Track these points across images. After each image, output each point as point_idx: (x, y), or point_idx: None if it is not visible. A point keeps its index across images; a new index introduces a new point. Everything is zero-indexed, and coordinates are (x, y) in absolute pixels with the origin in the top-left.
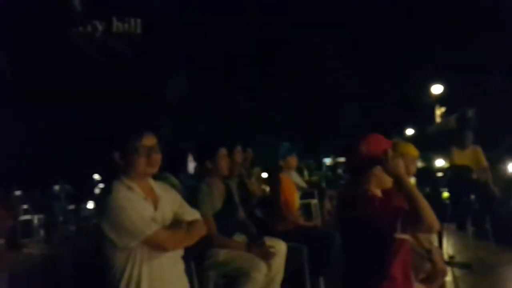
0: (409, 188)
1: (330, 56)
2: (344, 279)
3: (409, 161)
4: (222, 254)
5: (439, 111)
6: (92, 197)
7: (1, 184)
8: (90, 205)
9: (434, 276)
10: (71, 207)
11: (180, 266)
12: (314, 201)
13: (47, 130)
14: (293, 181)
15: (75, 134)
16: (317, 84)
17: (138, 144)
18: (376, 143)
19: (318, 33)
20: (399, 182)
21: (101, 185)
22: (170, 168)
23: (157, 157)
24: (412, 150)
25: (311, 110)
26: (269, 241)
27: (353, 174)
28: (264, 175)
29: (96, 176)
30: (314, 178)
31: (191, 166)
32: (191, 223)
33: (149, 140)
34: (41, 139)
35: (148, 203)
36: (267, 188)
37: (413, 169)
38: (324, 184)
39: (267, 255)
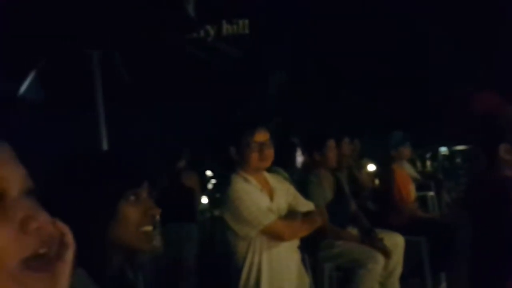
0: None
1: (444, 36)
2: (471, 275)
3: None
4: (337, 246)
5: None
6: (206, 192)
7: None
8: (204, 199)
9: None
10: None
11: (297, 255)
12: (431, 194)
13: (163, 131)
14: (407, 172)
15: (188, 134)
16: (429, 66)
17: (251, 139)
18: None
19: (425, 16)
20: None
21: (213, 181)
22: (279, 162)
23: (270, 152)
24: None
25: (423, 95)
26: (385, 234)
27: (482, 155)
28: (371, 167)
29: (209, 173)
30: (429, 169)
31: (299, 160)
32: (306, 214)
33: (262, 136)
34: (158, 139)
35: (264, 194)
36: (376, 181)
37: None
38: (441, 175)
39: (382, 249)
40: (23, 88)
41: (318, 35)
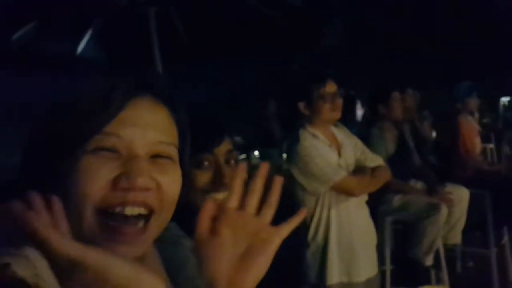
0: None
1: None
2: None
3: None
4: (397, 199)
5: None
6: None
7: None
8: (257, 153)
9: None
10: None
11: (365, 210)
12: (490, 146)
13: (221, 89)
14: (473, 124)
15: (244, 90)
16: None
17: (323, 91)
18: None
19: None
20: None
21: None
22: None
23: (340, 103)
24: None
25: (484, 45)
26: (450, 188)
27: None
28: (431, 119)
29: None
30: (487, 119)
31: (359, 114)
32: (375, 169)
33: (332, 87)
34: (217, 98)
35: (333, 150)
36: (434, 133)
37: None
38: (501, 126)
39: (447, 201)
40: (80, 47)
41: None
